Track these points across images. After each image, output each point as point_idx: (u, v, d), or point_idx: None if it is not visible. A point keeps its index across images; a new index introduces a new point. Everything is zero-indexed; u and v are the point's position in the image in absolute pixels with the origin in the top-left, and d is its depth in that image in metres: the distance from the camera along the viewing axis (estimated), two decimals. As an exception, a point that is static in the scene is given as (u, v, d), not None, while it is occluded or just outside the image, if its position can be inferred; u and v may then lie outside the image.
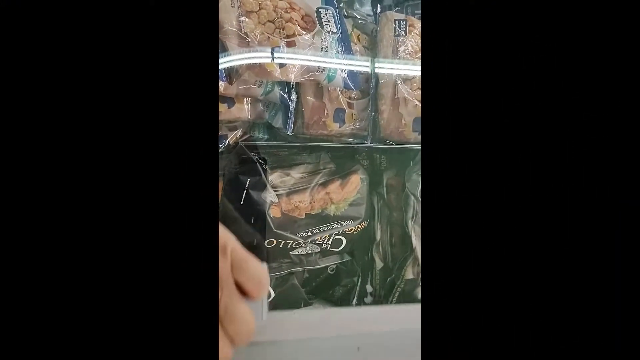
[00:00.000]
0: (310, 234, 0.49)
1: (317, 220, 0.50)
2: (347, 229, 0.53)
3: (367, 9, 0.60)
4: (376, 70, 0.52)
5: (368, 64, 0.51)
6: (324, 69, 0.47)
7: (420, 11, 0.56)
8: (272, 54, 0.44)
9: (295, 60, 0.45)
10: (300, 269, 0.53)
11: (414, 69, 0.52)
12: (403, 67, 0.50)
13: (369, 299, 0.60)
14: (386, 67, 0.52)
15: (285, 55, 0.45)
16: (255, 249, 0.47)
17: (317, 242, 0.52)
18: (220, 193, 0.46)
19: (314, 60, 0.46)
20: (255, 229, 0.45)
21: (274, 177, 0.49)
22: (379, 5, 0.53)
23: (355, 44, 0.53)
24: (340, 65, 0.47)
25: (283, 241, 0.47)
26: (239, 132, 0.51)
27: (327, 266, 0.57)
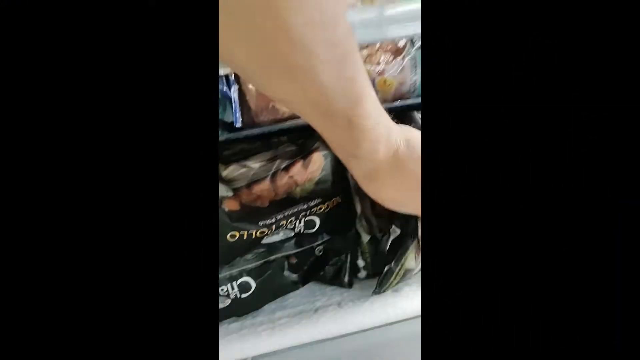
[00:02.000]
0: (273, 220, 0.49)
1: (281, 205, 0.50)
2: (317, 209, 0.52)
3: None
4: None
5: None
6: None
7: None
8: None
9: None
10: (278, 255, 0.53)
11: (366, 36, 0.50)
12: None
13: (362, 273, 0.59)
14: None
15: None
16: (220, 246, 0.48)
17: (288, 227, 0.52)
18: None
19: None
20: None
21: (229, 172, 0.49)
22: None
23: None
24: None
25: (246, 232, 0.48)
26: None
27: (314, 248, 0.57)
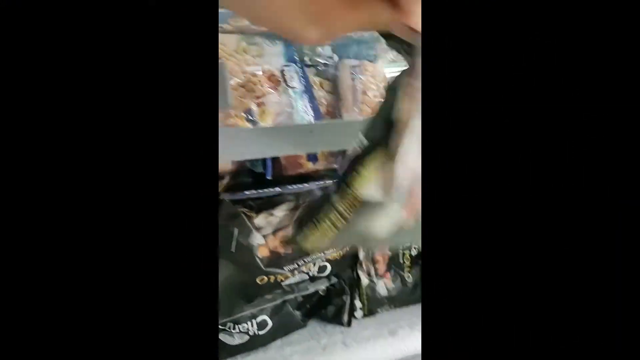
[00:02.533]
0: (296, 265, 0.55)
1: (302, 252, 0.56)
2: (330, 256, 0.59)
3: (328, 50, 0.67)
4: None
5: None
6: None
7: (373, 51, 0.62)
8: (247, 115, 0.50)
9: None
10: (292, 296, 0.59)
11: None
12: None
13: (359, 313, 0.66)
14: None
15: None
16: (245, 286, 0.53)
17: (304, 271, 0.58)
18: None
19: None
20: (245, 271, 0.51)
21: (259, 220, 0.55)
22: (335, 55, 0.59)
23: (319, 90, 0.59)
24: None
25: (273, 277, 0.53)
26: (225, 181, 0.57)
27: (318, 289, 0.63)
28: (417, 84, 0.28)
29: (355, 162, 0.30)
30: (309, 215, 0.35)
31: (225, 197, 0.50)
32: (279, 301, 0.57)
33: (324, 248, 0.36)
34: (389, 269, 0.68)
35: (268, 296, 0.56)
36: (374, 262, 0.67)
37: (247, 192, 0.53)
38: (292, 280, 0.58)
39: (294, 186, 0.55)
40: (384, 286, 0.67)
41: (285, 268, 0.54)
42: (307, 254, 0.56)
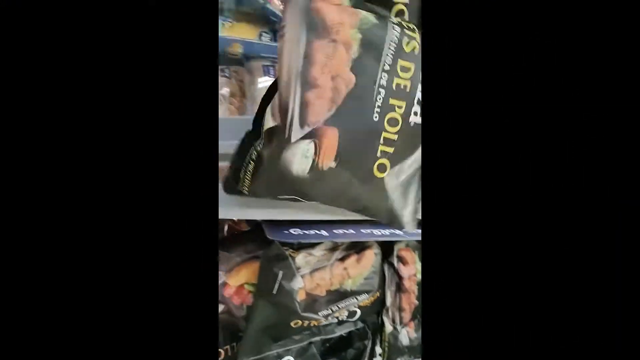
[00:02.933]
0: (330, 311, 0.54)
1: (336, 296, 0.55)
2: (361, 303, 0.58)
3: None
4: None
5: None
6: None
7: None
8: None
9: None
10: (318, 338, 0.58)
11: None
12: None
13: (377, 359, 0.65)
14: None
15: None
16: (278, 328, 0.51)
17: (337, 316, 0.57)
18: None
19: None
20: (283, 314, 0.50)
21: (299, 259, 0.53)
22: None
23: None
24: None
25: (308, 321, 0.52)
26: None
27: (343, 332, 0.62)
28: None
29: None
30: (238, 160, 0.37)
31: (271, 235, 0.49)
32: (305, 343, 0.56)
33: (258, 192, 0.37)
34: (414, 318, 0.67)
35: (296, 337, 0.55)
36: (400, 309, 0.66)
37: (292, 231, 0.51)
38: (322, 323, 0.56)
39: (340, 231, 0.53)
40: (406, 335, 0.66)
41: (320, 314, 0.52)
42: (341, 299, 0.55)
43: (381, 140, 0.34)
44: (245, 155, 0.37)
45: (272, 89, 0.36)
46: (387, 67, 0.32)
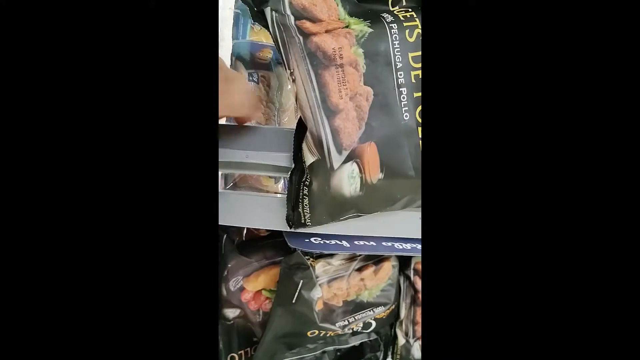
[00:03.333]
0: (347, 322, 0.53)
1: (352, 307, 0.55)
2: (377, 315, 0.57)
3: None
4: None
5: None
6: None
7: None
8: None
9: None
10: (332, 348, 0.57)
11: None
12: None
13: (388, 371, 0.65)
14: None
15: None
16: (294, 336, 0.51)
17: (353, 327, 0.56)
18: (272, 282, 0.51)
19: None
20: (300, 323, 0.50)
21: (318, 267, 0.53)
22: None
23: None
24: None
25: (324, 331, 0.51)
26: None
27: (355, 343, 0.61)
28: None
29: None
30: (292, 199, 0.39)
31: (292, 243, 0.49)
32: (318, 352, 0.56)
33: (321, 220, 0.39)
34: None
35: (310, 345, 0.55)
36: (414, 323, 0.66)
37: (313, 240, 0.51)
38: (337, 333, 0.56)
39: (361, 242, 0.53)
40: (419, 349, 0.66)
41: (337, 325, 0.52)
42: (358, 310, 0.55)
43: (420, 135, 0.34)
44: (298, 192, 0.39)
45: (300, 127, 0.37)
46: (399, 65, 0.33)
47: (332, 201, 0.36)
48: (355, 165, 0.34)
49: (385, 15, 0.34)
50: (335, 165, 0.34)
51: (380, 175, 0.35)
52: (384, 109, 0.33)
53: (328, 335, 0.54)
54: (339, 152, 0.34)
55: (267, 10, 0.33)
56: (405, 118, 0.34)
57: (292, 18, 0.33)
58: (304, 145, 0.36)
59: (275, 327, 0.48)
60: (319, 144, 0.34)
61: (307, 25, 0.33)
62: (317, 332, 0.51)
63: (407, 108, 0.33)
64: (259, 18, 0.35)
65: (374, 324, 0.59)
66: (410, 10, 0.35)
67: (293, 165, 0.37)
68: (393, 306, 0.59)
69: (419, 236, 0.50)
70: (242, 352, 0.52)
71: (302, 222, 0.39)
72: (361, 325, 0.58)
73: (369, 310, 0.56)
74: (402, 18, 0.34)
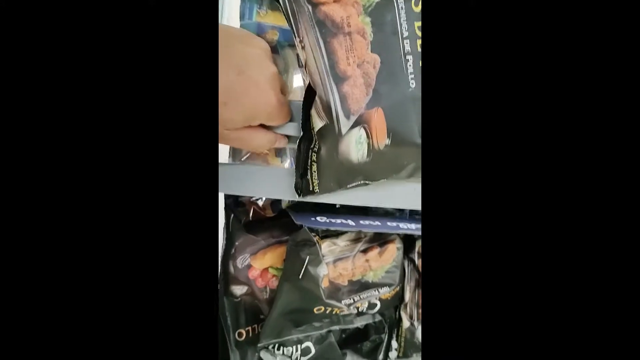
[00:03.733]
0: (352, 301, 0.54)
1: (357, 287, 0.56)
2: (383, 295, 0.58)
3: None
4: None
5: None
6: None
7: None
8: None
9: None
10: (337, 327, 0.58)
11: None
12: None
13: (393, 353, 0.65)
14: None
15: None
16: (301, 313, 0.52)
17: (358, 306, 0.57)
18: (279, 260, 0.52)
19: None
20: (307, 299, 0.50)
21: (324, 247, 0.54)
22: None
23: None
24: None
25: (330, 308, 0.52)
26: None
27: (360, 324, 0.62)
28: None
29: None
30: (301, 166, 0.40)
31: (299, 220, 0.49)
32: (324, 330, 0.57)
33: (329, 188, 0.40)
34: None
35: (316, 324, 0.56)
36: (418, 306, 0.66)
37: (319, 219, 0.52)
38: (341, 312, 0.57)
39: (367, 222, 0.54)
40: (423, 332, 0.66)
41: (342, 302, 0.53)
42: (363, 290, 0.56)
43: None
44: (307, 159, 0.39)
45: (309, 94, 0.38)
46: (405, 34, 0.34)
47: (340, 167, 0.37)
48: (362, 131, 0.35)
49: None
50: (344, 130, 0.35)
51: (387, 141, 0.35)
52: (391, 76, 0.34)
53: (334, 313, 0.55)
54: (347, 117, 0.34)
55: None
56: (412, 86, 0.35)
57: None
58: (312, 111, 0.36)
59: (282, 302, 0.49)
60: (327, 109, 0.35)
61: (316, -7, 0.34)
62: (322, 308, 0.52)
63: (412, 76, 0.34)
64: None
65: (378, 304, 0.59)
66: None
67: (301, 134, 0.38)
68: (397, 288, 0.60)
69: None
70: (250, 328, 0.53)
71: (311, 189, 0.40)
72: (366, 305, 0.59)
73: (374, 290, 0.57)
74: None
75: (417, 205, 0.44)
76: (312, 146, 0.38)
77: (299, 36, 0.34)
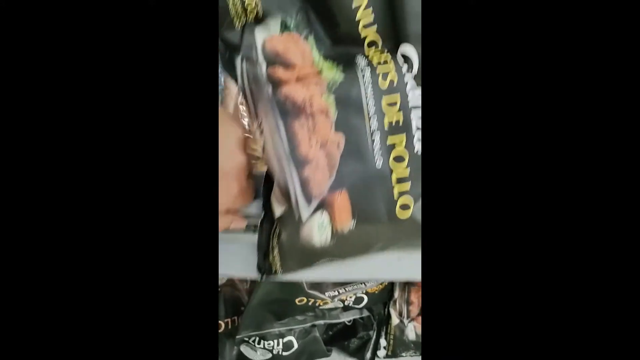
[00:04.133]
0: (337, 293, 0.52)
1: (345, 281, 0.53)
2: (370, 289, 0.56)
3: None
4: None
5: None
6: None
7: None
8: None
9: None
10: (322, 322, 0.56)
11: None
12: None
13: (382, 352, 0.63)
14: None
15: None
16: (282, 303, 0.50)
17: (342, 299, 0.55)
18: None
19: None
20: (288, 289, 0.48)
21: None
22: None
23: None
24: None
25: (312, 299, 0.50)
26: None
27: (347, 319, 0.60)
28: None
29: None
30: (262, 247, 0.39)
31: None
32: (308, 324, 0.54)
33: (292, 268, 0.39)
34: (421, 312, 0.64)
35: (299, 317, 0.53)
36: (408, 303, 0.64)
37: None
38: (326, 305, 0.55)
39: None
40: (413, 330, 0.64)
41: (326, 294, 0.51)
42: (349, 283, 0.53)
43: (393, 182, 0.33)
44: (268, 242, 0.38)
45: (267, 181, 0.37)
46: (372, 112, 0.32)
47: (303, 251, 0.36)
48: (325, 215, 0.33)
49: (359, 58, 0.34)
50: (304, 216, 0.33)
51: (352, 224, 0.34)
52: (356, 155, 0.32)
53: (318, 306, 0.52)
54: (309, 201, 0.33)
55: (238, 60, 0.33)
56: (379, 165, 0.33)
57: (264, 65, 0.32)
58: (272, 198, 0.35)
59: (262, 291, 0.47)
60: (286, 195, 0.33)
61: (279, 73, 0.32)
62: (305, 299, 0.50)
63: (380, 154, 0.33)
64: (228, 67, 0.34)
65: (365, 298, 0.57)
66: (386, 51, 0.34)
67: (263, 214, 0.37)
68: (385, 282, 0.58)
69: (397, 277, 0.50)
70: (229, 320, 0.51)
71: (274, 271, 0.38)
72: (353, 299, 0.56)
73: (362, 284, 0.54)
74: (375, 62, 0.33)
75: (391, 274, 0.42)
76: (273, 229, 0.37)
77: (257, 119, 0.32)
